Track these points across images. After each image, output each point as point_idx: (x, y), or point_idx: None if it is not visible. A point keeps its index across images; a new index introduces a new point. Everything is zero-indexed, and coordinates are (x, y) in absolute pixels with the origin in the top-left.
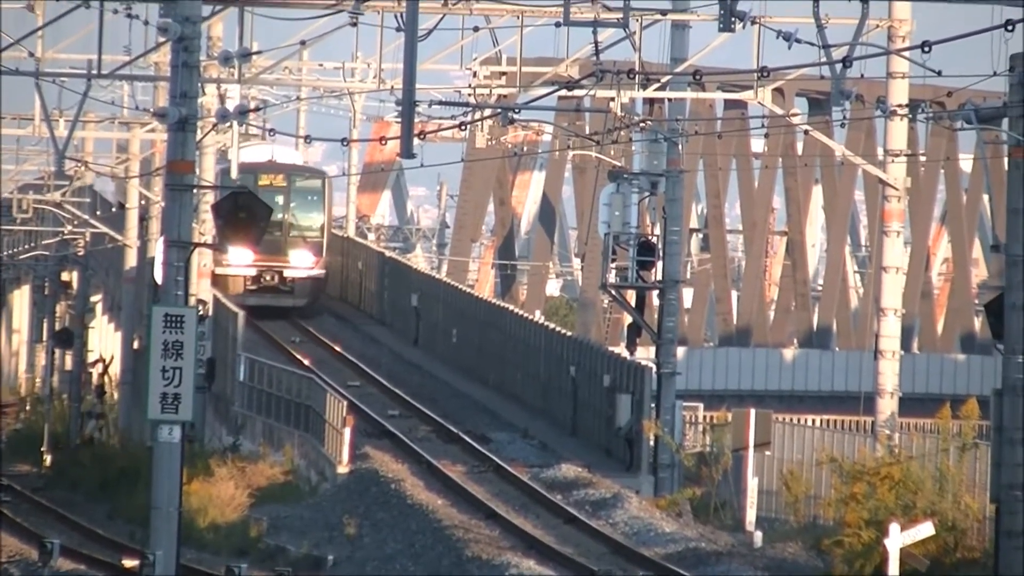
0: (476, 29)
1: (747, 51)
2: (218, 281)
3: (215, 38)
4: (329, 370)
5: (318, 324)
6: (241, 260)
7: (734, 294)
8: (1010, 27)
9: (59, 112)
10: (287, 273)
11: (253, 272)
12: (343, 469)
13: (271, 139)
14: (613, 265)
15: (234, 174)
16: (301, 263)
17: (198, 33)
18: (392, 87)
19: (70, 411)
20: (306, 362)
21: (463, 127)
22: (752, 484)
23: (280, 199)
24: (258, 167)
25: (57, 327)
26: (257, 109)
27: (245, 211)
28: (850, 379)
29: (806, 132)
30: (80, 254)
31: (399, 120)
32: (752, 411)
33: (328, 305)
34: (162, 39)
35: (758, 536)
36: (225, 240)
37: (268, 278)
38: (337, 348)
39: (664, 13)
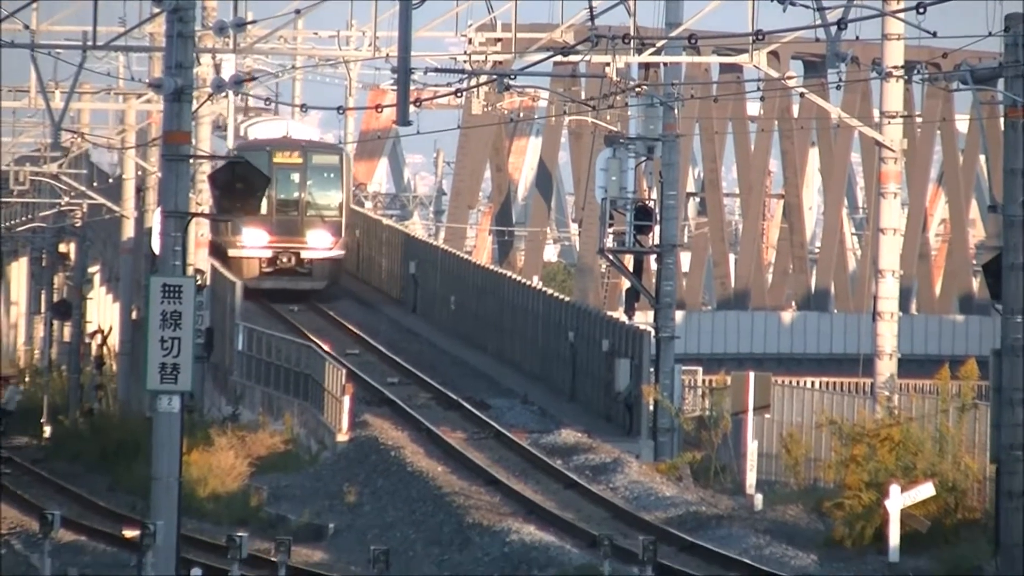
0: None
1: (742, 15)
2: (232, 264)
3: (210, 8)
4: (328, 339)
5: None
6: (256, 241)
7: (731, 258)
8: None
9: (55, 84)
10: (304, 254)
11: (269, 254)
12: (343, 437)
13: (273, 111)
14: (610, 230)
15: (230, 143)
16: (319, 244)
17: (192, 3)
18: (387, 55)
19: (69, 383)
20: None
21: (459, 94)
22: (752, 447)
23: (296, 177)
24: (272, 143)
25: (55, 299)
26: (253, 79)
27: (242, 181)
28: (848, 341)
29: (802, 95)
30: (77, 225)
31: (395, 88)
32: (751, 374)
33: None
34: (157, 10)
35: (758, 499)
36: (223, 210)
37: (285, 260)
38: (336, 317)
39: None
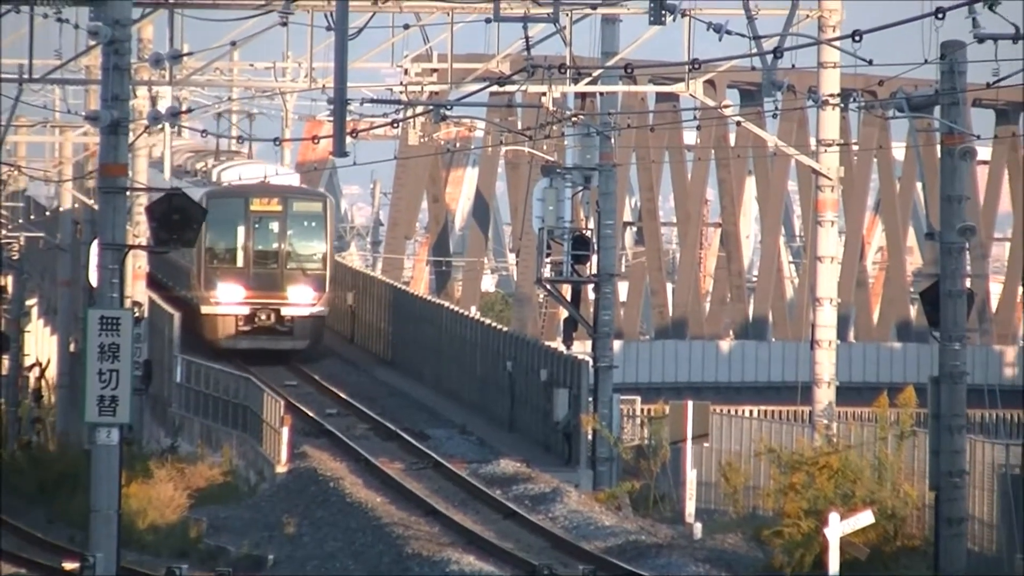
0: (407, 27)
1: (678, 44)
2: (205, 322)
3: (146, 40)
4: (266, 372)
5: None
6: (232, 297)
7: (669, 286)
8: (940, 15)
9: None
10: (285, 311)
11: (246, 311)
12: (281, 468)
13: (247, 153)
14: (548, 260)
15: (167, 175)
16: (301, 299)
17: (128, 36)
18: (324, 86)
19: (7, 416)
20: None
21: (395, 125)
22: (691, 476)
23: (275, 226)
24: (249, 189)
25: None
26: (189, 111)
27: (179, 212)
28: (787, 369)
29: (738, 123)
30: (15, 258)
31: (331, 119)
32: (689, 403)
33: None
34: (92, 42)
35: (698, 528)
36: (160, 242)
37: (263, 317)
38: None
39: (594, 7)
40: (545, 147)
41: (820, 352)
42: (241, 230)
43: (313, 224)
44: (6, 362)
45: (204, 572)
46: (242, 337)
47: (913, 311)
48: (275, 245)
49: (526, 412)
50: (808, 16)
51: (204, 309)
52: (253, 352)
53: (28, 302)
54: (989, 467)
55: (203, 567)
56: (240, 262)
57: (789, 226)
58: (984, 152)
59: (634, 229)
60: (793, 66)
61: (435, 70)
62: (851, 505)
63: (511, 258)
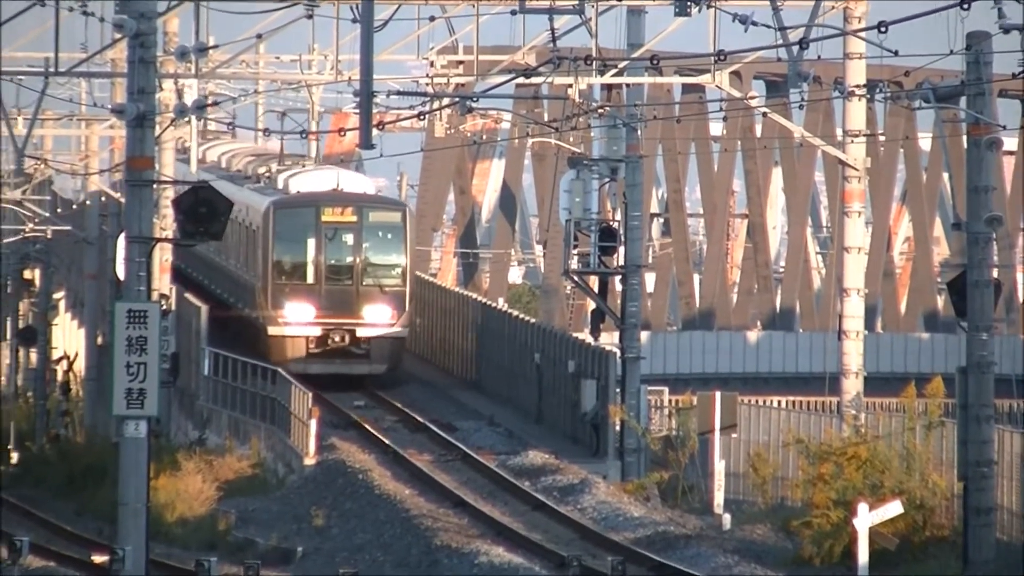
0: (432, 19)
1: (703, 35)
2: (271, 344)
3: (171, 33)
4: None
5: None
6: (301, 317)
7: (696, 278)
8: (966, 6)
9: (17, 110)
10: (360, 332)
11: (317, 332)
12: (310, 461)
13: (315, 160)
14: (575, 251)
15: (193, 168)
16: (378, 319)
17: (154, 29)
18: (350, 78)
19: (35, 409)
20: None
21: (422, 117)
22: (719, 467)
23: (350, 238)
24: (320, 198)
25: (20, 325)
26: (215, 103)
27: (206, 205)
28: (814, 360)
29: (764, 114)
30: (42, 252)
31: (357, 111)
32: (717, 394)
33: None
34: (118, 36)
35: (726, 519)
36: (187, 235)
37: (336, 339)
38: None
39: None
40: (571, 139)
41: (848, 342)
42: (312, 243)
43: (391, 236)
44: (34, 355)
45: (233, 565)
46: (313, 361)
47: (940, 301)
48: (349, 259)
49: (554, 403)
50: (834, 7)
51: (271, 330)
52: (325, 377)
53: (55, 295)
54: (1017, 457)
55: (232, 560)
56: (311, 278)
57: (816, 217)
58: (1010, 142)
59: (661, 220)
60: (819, 57)
61: (461, 62)
62: (879, 495)
63: (538, 250)
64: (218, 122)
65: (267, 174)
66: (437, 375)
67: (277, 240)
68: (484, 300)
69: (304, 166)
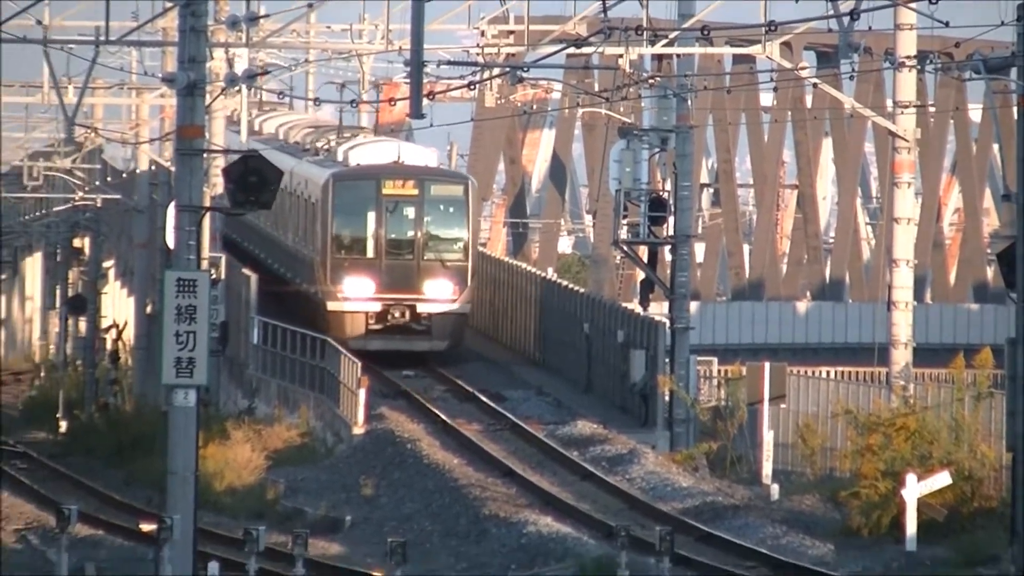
0: None
1: (754, 6)
2: (331, 320)
3: (222, 2)
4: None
5: None
6: (361, 292)
7: (746, 248)
8: None
9: (68, 79)
10: (421, 308)
11: (377, 308)
12: (359, 430)
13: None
14: (625, 221)
15: (243, 138)
16: (440, 295)
17: None
18: (400, 48)
19: (85, 377)
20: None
21: (472, 87)
22: (768, 437)
23: (411, 212)
24: (381, 170)
25: (70, 293)
26: (266, 72)
27: (256, 174)
28: (863, 331)
29: (815, 85)
30: (91, 220)
31: (408, 81)
32: (766, 364)
33: None
34: (169, 4)
35: (775, 489)
36: (237, 204)
37: (397, 315)
38: None
39: None
40: (622, 109)
41: (897, 313)
42: (372, 216)
43: (453, 209)
44: (83, 324)
45: (281, 534)
46: (373, 337)
47: (990, 272)
48: (410, 233)
49: (603, 373)
50: None
51: (330, 305)
52: (385, 353)
53: (105, 264)
54: None
55: (280, 528)
56: (371, 253)
57: (866, 188)
58: None
59: (711, 191)
60: (870, 28)
61: (512, 32)
62: (928, 466)
63: (588, 220)
64: (270, 92)
65: (326, 146)
66: (496, 350)
67: (337, 213)
68: (541, 273)
69: (364, 138)
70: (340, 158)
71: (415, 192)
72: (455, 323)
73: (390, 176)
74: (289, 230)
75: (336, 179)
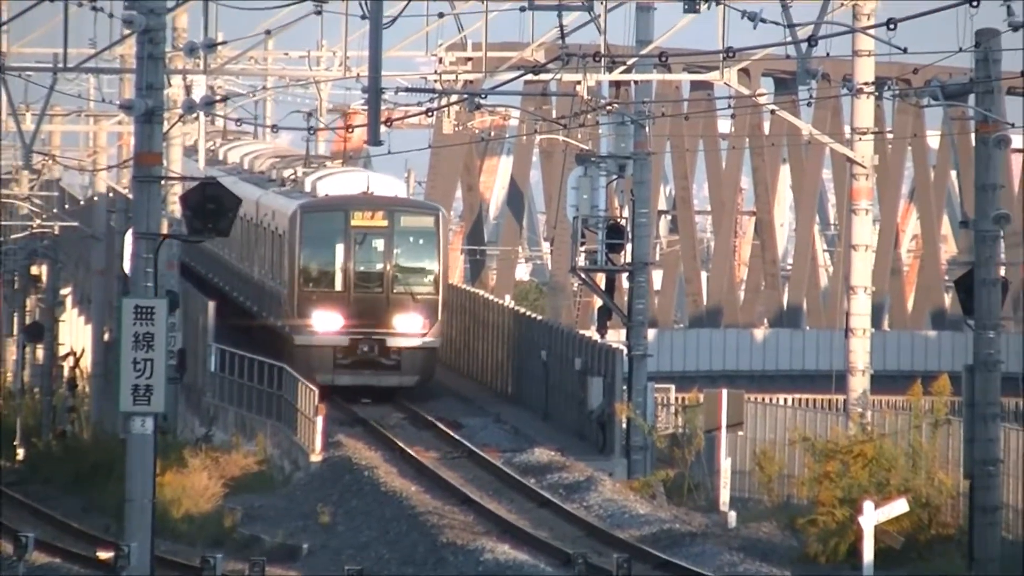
0: (441, 15)
1: (712, 32)
2: (297, 355)
3: (180, 29)
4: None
5: None
6: (329, 326)
7: (703, 275)
8: (975, 3)
9: (26, 106)
10: (391, 342)
11: (345, 342)
12: (316, 457)
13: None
14: (582, 248)
15: (201, 165)
16: (409, 329)
17: (163, 25)
18: (358, 75)
19: (42, 405)
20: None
21: (430, 114)
22: (725, 465)
23: (380, 244)
24: (349, 201)
25: (27, 321)
26: (224, 99)
27: (213, 201)
28: (821, 358)
29: (773, 112)
30: (49, 247)
31: (366, 108)
32: (724, 391)
33: None
34: (127, 31)
35: (732, 516)
36: (194, 231)
37: (365, 349)
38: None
39: None
40: (579, 136)
41: (854, 340)
42: (340, 248)
43: (423, 241)
44: (41, 352)
45: (239, 561)
46: (341, 372)
47: (947, 299)
48: (380, 266)
49: (560, 401)
50: (843, 4)
51: (297, 340)
52: (354, 389)
53: (63, 291)
54: (1023, 455)
55: (238, 556)
56: (339, 285)
57: (823, 214)
58: (1019, 140)
59: (668, 218)
60: (828, 54)
61: (469, 59)
62: (885, 494)
63: (545, 247)
64: (228, 119)
65: (293, 176)
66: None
67: (304, 245)
68: (500, 301)
69: (332, 168)
70: (308, 188)
71: (384, 223)
72: (425, 357)
73: (359, 207)
74: (255, 263)
75: (304, 210)
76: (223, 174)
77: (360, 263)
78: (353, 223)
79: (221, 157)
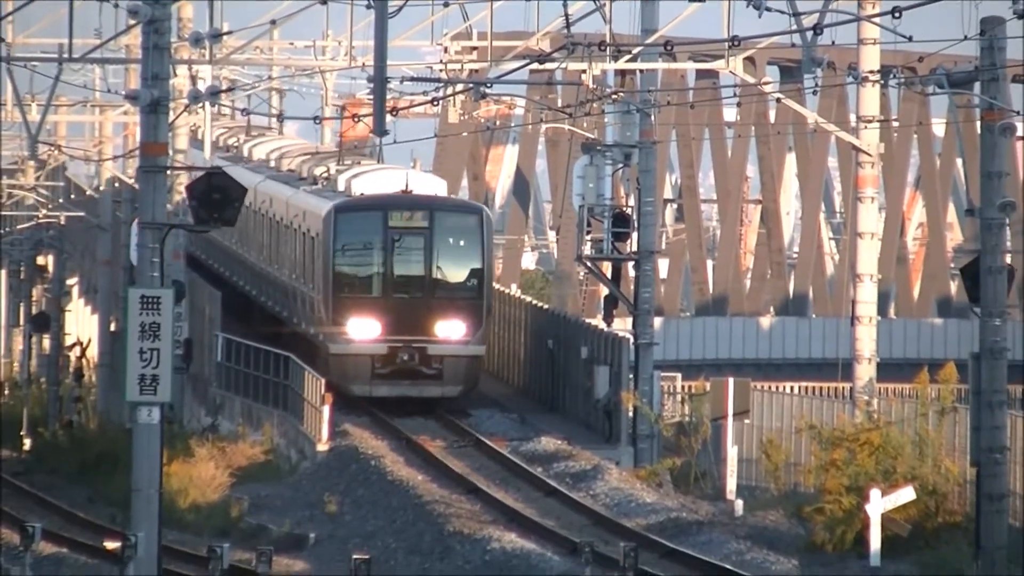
0: (446, 4)
1: (717, 21)
2: (333, 364)
3: (185, 19)
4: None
5: None
6: (366, 334)
7: (709, 263)
8: None
9: (31, 96)
10: (432, 350)
11: (383, 350)
12: (323, 447)
13: (371, 154)
14: (588, 237)
15: (207, 154)
16: (452, 335)
17: (168, 15)
18: (363, 64)
19: (48, 395)
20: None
21: (435, 103)
22: (732, 453)
23: (420, 245)
24: (387, 200)
25: (34, 311)
26: (229, 89)
27: (219, 191)
28: (827, 346)
29: (778, 100)
30: (55, 237)
31: (371, 98)
32: (730, 380)
33: None
34: (132, 21)
35: (739, 505)
36: (200, 221)
37: (405, 358)
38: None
39: None
40: (585, 125)
41: (860, 328)
42: (378, 251)
43: (466, 242)
44: (47, 342)
45: (246, 551)
46: (379, 382)
47: (953, 287)
48: (419, 269)
49: (567, 390)
50: None
51: (333, 348)
52: (392, 400)
53: (69, 281)
54: None
55: (244, 546)
56: (376, 290)
57: (829, 202)
58: None
59: (674, 206)
60: (833, 43)
61: (475, 48)
62: (892, 481)
63: (551, 236)
64: (233, 109)
65: (325, 174)
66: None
67: (339, 248)
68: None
69: (367, 165)
70: (341, 187)
71: (424, 224)
72: (469, 366)
73: (397, 207)
74: (285, 266)
75: (338, 210)
76: (248, 171)
77: (399, 266)
78: (391, 223)
79: (246, 153)
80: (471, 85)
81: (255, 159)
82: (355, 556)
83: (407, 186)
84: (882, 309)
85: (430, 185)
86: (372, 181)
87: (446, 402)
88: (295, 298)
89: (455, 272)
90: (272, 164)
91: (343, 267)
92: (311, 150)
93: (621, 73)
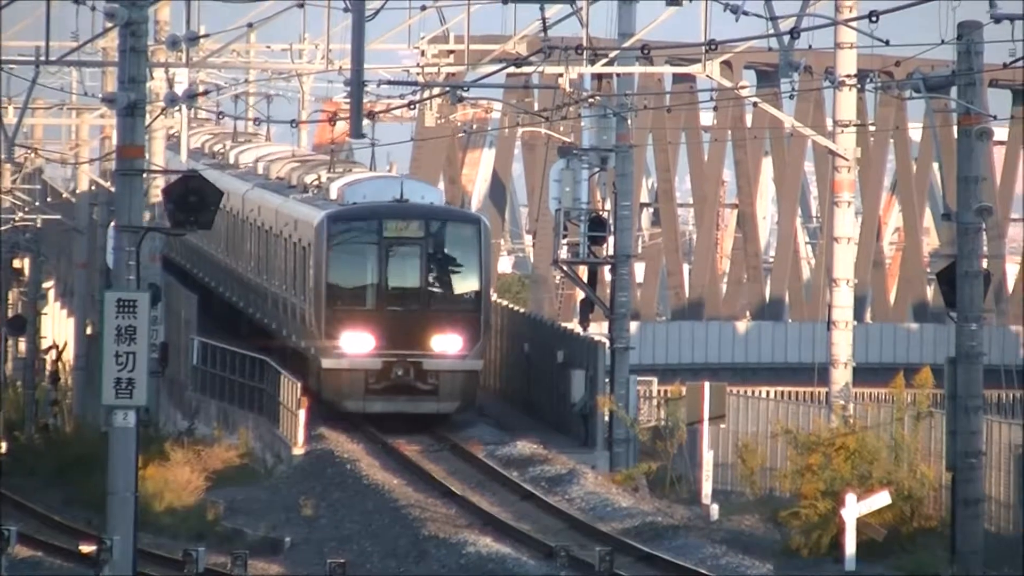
0: (423, 8)
1: (695, 25)
2: (325, 379)
3: (162, 22)
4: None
5: None
6: (360, 348)
7: (686, 268)
8: None
9: (8, 99)
10: (428, 365)
11: (378, 365)
12: (298, 450)
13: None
14: (564, 241)
15: (183, 158)
16: (448, 350)
17: (145, 18)
18: (340, 68)
19: (24, 398)
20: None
21: (412, 106)
22: (708, 457)
23: (416, 257)
24: (381, 210)
25: (10, 314)
26: (206, 92)
27: (196, 194)
28: (803, 350)
29: (755, 104)
30: (31, 240)
31: (348, 101)
32: (706, 384)
33: None
34: (109, 24)
35: (714, 509)
36: (177, 224)
37: (400, 373)
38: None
39: None
40: (562, 128)
41: (837, 333)
42: (372, 262)
43: (463, 253)
44: (23, 345)
45: (221, 554)
46: (373, 398)
47: (930, 291)
48: (415, 281)
49: (543, 394)
50: None
51: (325, 363)
52: (386, 417)
53: (45, 284)
54: (1006, 447)
55: (220, 549)
56: (370, 303)
57: (806, 207)
58: (1001, 132)
59: (651, 210)
60: (810, 47)
61: (452, 52)
62: (868, 486)
63: (528, 239)
64: (208, 111)
65: (316, 182)
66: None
67: (332, 258)
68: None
69: (360, 172)
70: (333, 195)
71: (420, 234)
72: (466, 381)
73: (392, 216)
74: (275, 277)
75: (331, 220)
76: (235, 178)
77: (394, 278)
78: (386, 233)
79: (232, 160)
80: (448, 88)
81: (241, 165)
82: (331, 560)
83: (402, 194)
84: (858, 314)
85: (426, 194)
86: (365, 189)
87: (442, 419)
88: (286, 310)
89: (452, 284)
90: (260, 171)
91: (336, 278)
92: (301, 156)
93: (598, 77)
